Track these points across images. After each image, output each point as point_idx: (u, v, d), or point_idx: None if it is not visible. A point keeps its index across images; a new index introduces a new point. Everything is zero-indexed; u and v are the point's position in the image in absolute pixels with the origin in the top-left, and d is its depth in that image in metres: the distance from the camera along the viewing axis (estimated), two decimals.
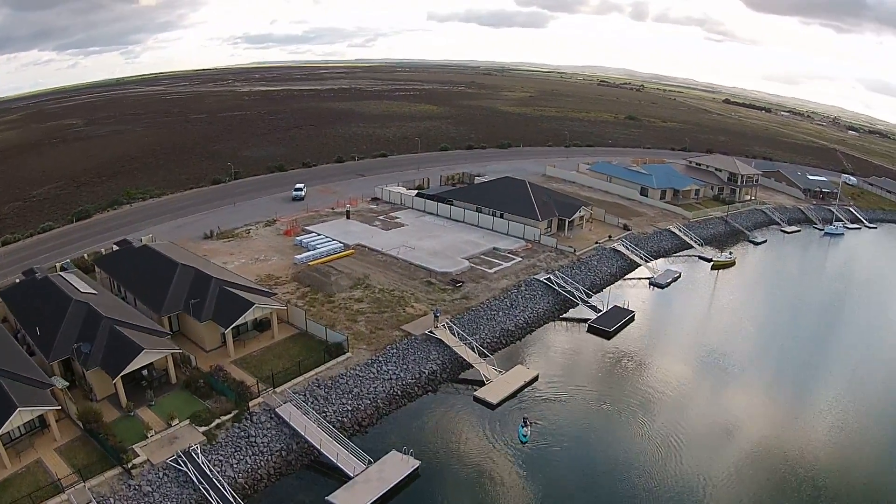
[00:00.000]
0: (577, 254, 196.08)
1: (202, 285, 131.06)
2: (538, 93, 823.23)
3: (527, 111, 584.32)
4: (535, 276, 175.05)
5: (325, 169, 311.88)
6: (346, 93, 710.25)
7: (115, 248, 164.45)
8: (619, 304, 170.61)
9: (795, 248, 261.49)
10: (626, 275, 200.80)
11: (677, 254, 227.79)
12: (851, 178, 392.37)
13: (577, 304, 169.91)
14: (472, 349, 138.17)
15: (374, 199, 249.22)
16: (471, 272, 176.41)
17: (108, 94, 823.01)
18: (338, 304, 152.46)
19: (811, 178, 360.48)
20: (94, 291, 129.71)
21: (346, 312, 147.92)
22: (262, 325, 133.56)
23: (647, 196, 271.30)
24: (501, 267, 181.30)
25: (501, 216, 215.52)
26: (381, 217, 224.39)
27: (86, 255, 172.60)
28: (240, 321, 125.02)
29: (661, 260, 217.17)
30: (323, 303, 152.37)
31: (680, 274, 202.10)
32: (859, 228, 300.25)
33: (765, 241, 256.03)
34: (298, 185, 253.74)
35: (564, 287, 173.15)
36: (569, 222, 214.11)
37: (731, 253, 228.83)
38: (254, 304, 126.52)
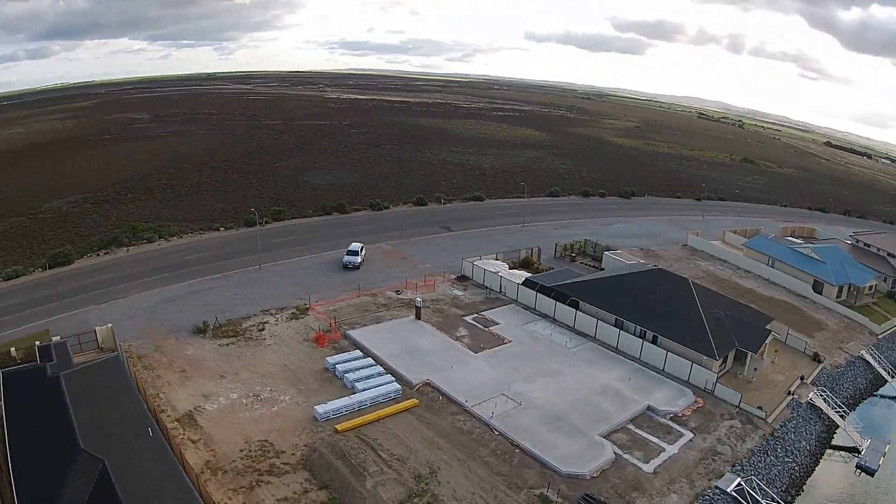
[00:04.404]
0: (769, 419, 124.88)
1: None
2: (642, 123, 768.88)
3: (636, 144, 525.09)
4: (719, 484, 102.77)
5: (400, 214, 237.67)
6: (440, 108, 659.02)
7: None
8: None
9: None
10: (825, 450, 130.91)
11: (874, 396, 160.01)
12: None
13: None
14: None
15: (461, 279, 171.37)
16: (616, 471, 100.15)
17: (193, 90, 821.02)
18: None
19: None
20: None
21: None
22: None
23: (821, 293, 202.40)
24: (664, 457, 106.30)
25: (655, 341, 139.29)
26: (468, 319, 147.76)
27: (12, 350, 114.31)
28: None
29: (857, 412, 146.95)
30: None
31: (889, 442, 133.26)
32: None
33: None
34: (354, 246, 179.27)
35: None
36: (751, 356, 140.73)
37: None
38: None
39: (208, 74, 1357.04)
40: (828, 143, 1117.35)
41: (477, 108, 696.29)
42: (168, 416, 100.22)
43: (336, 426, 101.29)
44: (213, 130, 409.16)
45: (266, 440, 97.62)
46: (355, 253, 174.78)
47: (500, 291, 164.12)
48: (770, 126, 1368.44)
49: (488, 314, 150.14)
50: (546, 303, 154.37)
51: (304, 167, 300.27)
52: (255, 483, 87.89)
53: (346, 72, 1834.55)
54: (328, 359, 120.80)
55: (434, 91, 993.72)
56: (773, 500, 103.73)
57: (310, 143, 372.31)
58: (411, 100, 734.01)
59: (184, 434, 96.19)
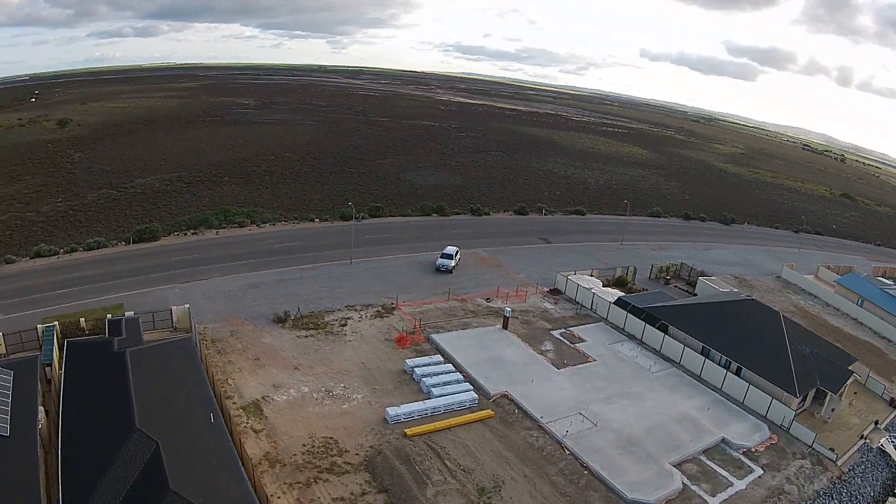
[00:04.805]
0: (839, 462, 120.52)
1: None
2: (748, 149, 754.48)
3: (741, 171, 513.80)
4: None
5: (500, 222, 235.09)
6: (550, 119, 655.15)
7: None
8: None
9: None
10: (889, 496, 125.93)
11: None
12: None
13: None
14: None
15: (553, 292, 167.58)
16: (681, 501, 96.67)
17: (302, 80, 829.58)
18: None
19: None
20: None
21: None
22: None
23: None
24: (731, 491, 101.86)
25: (739, 372, 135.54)
26: (555, 333, 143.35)
27: (82, 321, 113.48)
28: None
29: None
30: None
31: None
32: None
33: None
34: (449, 250, 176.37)
35: None
36: (830, 396, 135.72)
37: None
38: None
39: (319, 66, 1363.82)
40: None
41: (587, 122, 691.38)
42: (234, 403, 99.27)
43: (406, 430, 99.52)
44: (319, 122, 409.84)
45: (331, 437, 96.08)
46: (450, 256, 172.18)
47: (591, 308, 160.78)
48: (871, 163, 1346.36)
49: (576, 330, 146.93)
50: (635, 324, 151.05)
51: (408, 166, 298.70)
52: (312, 480, 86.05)
53: (459, 75, 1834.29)
54: (407, 361, 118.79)
55: (546, 101, 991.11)
56: None
57: (416, 142, 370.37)
58: (522, 108, 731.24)
59: (247, 423, 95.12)
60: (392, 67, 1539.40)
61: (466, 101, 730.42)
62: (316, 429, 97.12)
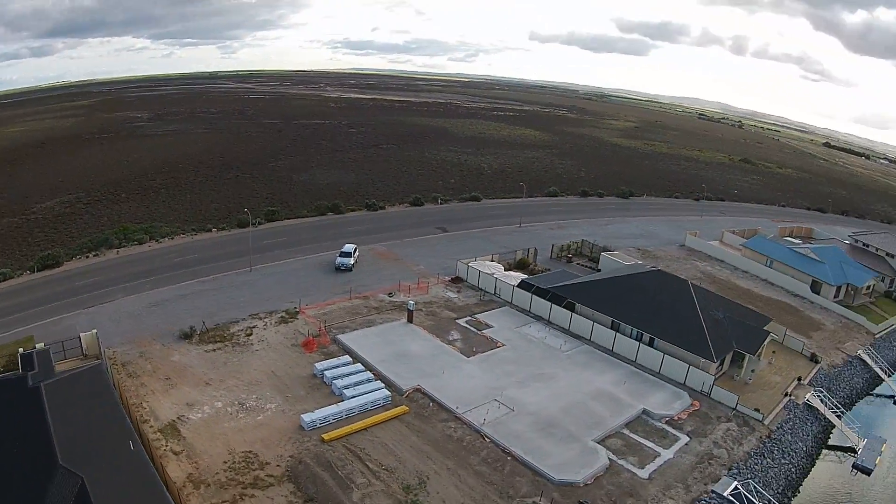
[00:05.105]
0: (766, 421, 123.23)
1: None
2: (642, 123, 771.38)
3: (636, 145, 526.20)
4: (715, 488, 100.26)
5: (396, 215, 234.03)
6: (440, 108, 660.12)
7: None
8: None
9: None
10: (821, 451, 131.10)
11: (870, 395, 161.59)
12: None
13: None
14: None
15: (455, 281, 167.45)
16: (610, 477, 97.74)
17: (194, 88, 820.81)
18: None
19: None
20: None
21: None
22: None
23: (818, 293, 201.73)
24: (660, 462, 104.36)
25: (652, 343, 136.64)
26: (461, 322, 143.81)
27: None
28: None
29: (854, 412, 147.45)
30: None
31: (885, 441, 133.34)
32: None
33: None
34: (347, 248, 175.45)
35: None
36: (748, 358, 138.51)
37: None
38: None
39: (211, 73, 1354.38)
40: (827, 144, 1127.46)
41: (477, 108, 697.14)
42: (151, 426, 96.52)
43: (323, 435, 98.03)
44: (212, 129, 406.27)
45: (251, 451, 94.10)
46: (348, 255, 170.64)
47: (495, 293, 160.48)
48: (769, 127, 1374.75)
49: (482, 317, 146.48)
50: (541, 305, 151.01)
51: (301, 167, 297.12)
52: (238, 497, 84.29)
53: (349, 71, 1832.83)
54: (316, 365, 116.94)
55: (436, 91, 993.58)
56: (769, 502, 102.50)
57: (307, 142, 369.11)
58: (412, 100, 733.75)
59: (166, 446, 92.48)
60: (282, 69, 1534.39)
61: (357, 96, 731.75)
62: (234, 444, 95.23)
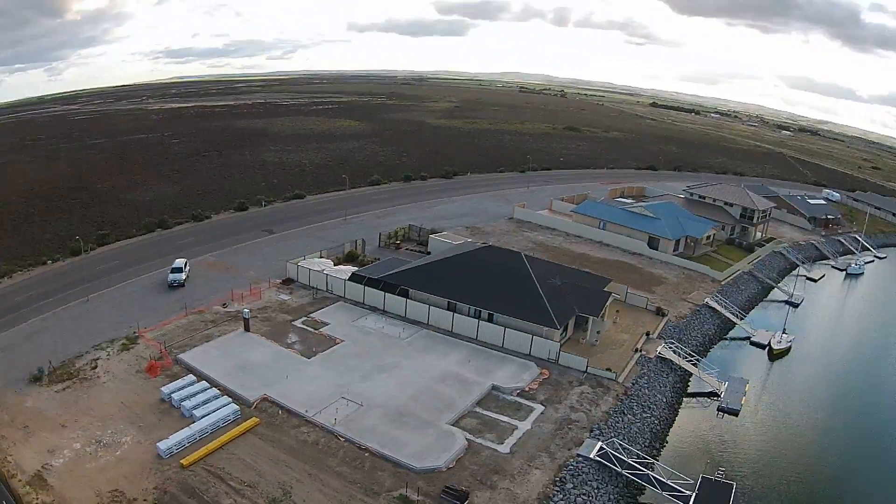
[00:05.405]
0: (620, 379, 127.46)
1: None
2: (463, 102, 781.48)
3: (458, 124, 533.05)
4: (580, 452, 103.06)
5: (223, 223, 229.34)
6: (261, 108, 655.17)
7: None
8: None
9: (833, 303, 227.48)
10: (682, 399, 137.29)
11: (724, 339, 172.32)
12: (833, 194, 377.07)
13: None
14: None
15: (287, 282, 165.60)
16: (471, 457, 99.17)
17: (22, 115, 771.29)
18: None
19: (811, 202, 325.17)
20: None
21: None
22: None
23: (657, 248, 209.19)
24: (518, 434, 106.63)
25: (491, 318, 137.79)
26: (298, 323, 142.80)
27: None
28: None
29: (709, 358, 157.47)
30: None
31: (748, 381, 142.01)
32: (873, 261, 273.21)
33: (803, 300, 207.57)
34: (178, 263, 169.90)
35: (631, 464, 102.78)
36: (592, 320, 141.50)
37: (785, 331, 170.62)
38: None
39: (39, 98, 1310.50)
40: (654, 104, 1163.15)
41: (297, 104, 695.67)
42: (19, 480, 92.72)
43: (182, 461, 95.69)
44: (40, 156, 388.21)
45: (117, 489, 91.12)
46: (179, 270, 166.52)
47: (328, 290, 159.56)
48: (594, 93, 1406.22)
49: (317, 315, 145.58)
50: (375, 296, 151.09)
51: (127, 185, 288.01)
52: None
53: (170, 81, 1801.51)
54: (163, 388, 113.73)
55: (255, 92, 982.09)
56: (638, 457, 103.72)
57: (131, 158, 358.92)
58: (232, 103, 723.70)
59: (37, 498, 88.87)
60: (107, 85, 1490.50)
61: (178, 105, 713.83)
62: (100, 485, 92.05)
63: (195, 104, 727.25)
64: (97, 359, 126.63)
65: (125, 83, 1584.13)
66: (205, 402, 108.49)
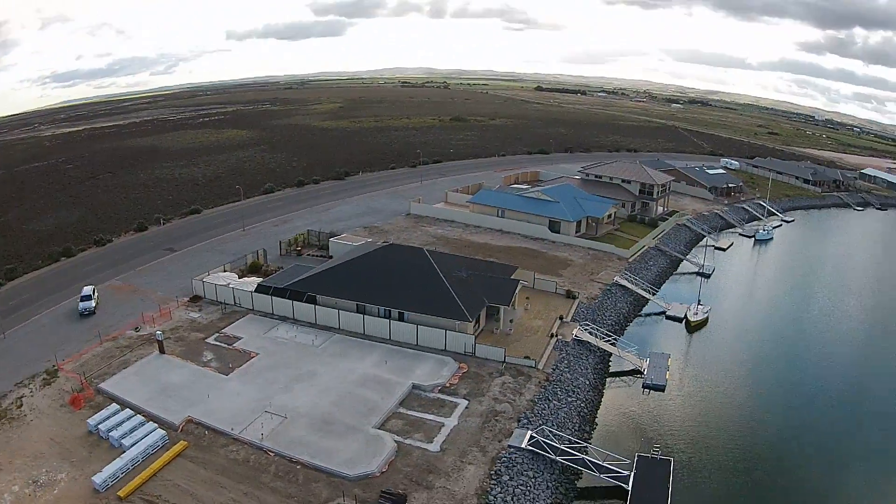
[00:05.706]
0: (540, 366, 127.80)
1: None
2: (347, 102, 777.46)
3: (344, 125, 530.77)
4: (511, 443, 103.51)
5: (125, 245, 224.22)
6: (149, 126, 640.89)
7: None
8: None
9: (744, 271, 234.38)
10: (605, 377, 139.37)
11: (640, 316, 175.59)
12: (732, 162, 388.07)
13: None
14: None
15: (194, 300, 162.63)
16: (403, 459, 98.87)
17: None
18: None
19: (711, 172, 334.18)
20: None
21: None
22: None
23: (558, 231, 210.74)
24: (446, 431, 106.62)
25: (402, 317, 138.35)
26: (211, 340, 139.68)
27: None
28: None
29: (627, 336, 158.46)
30: None
31: (669, 356, 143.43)
32: (780, 225, 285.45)
33: (713, 270, 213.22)
34: (86, 291, 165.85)
35: (565, 450, 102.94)
36: (503, 310, 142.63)
37: (700, 302, 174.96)
38: None
39: None
40: (539, 88, 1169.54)
41: (183, 118, 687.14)
42: None
43: (118, 493, 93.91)
44: None
45: None
46: (88, 297, 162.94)
47: (236, 304, 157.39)
48: (477, 82, 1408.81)
49: (229, 330, 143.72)
50: (283, 305, 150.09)
51: (28, 216, 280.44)
52: None
53: (58, 105, 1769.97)
54: (89, 420, 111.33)
55: (142, 109, 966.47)
56: (570, 442, 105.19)
57: (30, 187, 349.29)
58: (122, 122, 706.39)
59: None
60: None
61: (69, 130, 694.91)
62: None
63: (85, 127, 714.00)
64: (21, 396, 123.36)
65: (15, 112, 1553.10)
66: (132, 431, 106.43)
